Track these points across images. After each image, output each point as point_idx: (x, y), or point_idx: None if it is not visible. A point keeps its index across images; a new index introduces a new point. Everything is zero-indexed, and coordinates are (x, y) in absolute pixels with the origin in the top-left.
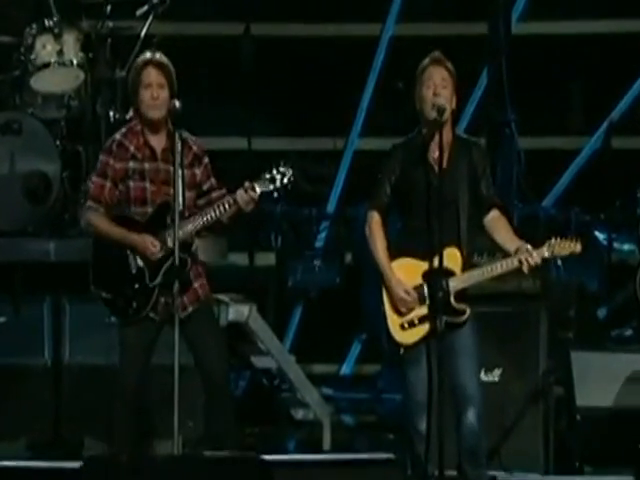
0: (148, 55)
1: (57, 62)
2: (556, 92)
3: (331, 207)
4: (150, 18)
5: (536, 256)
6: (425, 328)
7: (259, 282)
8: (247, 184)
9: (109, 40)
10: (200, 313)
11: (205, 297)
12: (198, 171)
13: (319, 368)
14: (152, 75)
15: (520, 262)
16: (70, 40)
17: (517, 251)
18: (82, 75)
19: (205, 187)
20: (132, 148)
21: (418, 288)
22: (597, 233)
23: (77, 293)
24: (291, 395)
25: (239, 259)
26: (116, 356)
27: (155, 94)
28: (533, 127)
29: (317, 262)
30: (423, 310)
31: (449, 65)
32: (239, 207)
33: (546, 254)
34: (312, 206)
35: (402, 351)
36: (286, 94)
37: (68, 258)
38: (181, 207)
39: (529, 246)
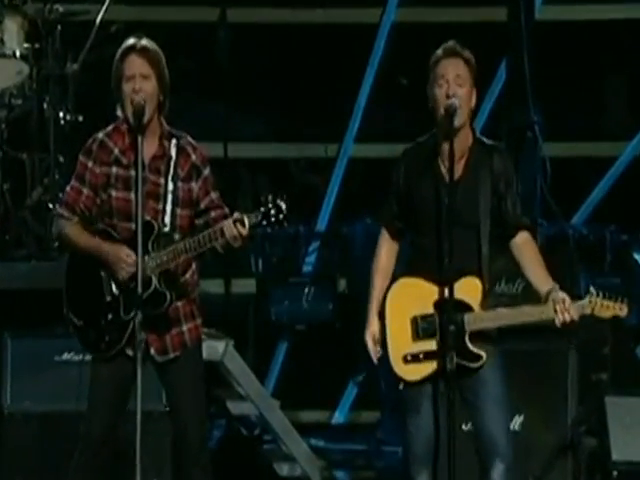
0: (130, 41)
1: None
2: (588, 89)
3: (322, 224)
4: (108, 1)
5: (574, 312)
6: (431, 367)
7: (236, 314)
8: (236, 216)
9: (59, 27)
10: (183, 361)
11: (192, 344)
12: (195, 185)
13: (308, 415)
14: (134, 65)
15: (555, 312)
16: (12, 27)
17: (549, 295)
18: (26, 69)
19: (203, 205)
20: (116, 150)
21: (427, 318)
22: (636, 255)
23: (21, 326)
24: (275, 447)
25: (213, 286)
26: (69, 401)
27: (137, 86)
28: (561, 130)
29: (305, 290)
30: (431, 345)
31: (467, 55)
32: (227, 240)
33: (586, 311)
34: (299, 223)
35: (401, 386)
36: (269, 91)
37: (10, 285)
38: (168, 228)
39: (566, 297)
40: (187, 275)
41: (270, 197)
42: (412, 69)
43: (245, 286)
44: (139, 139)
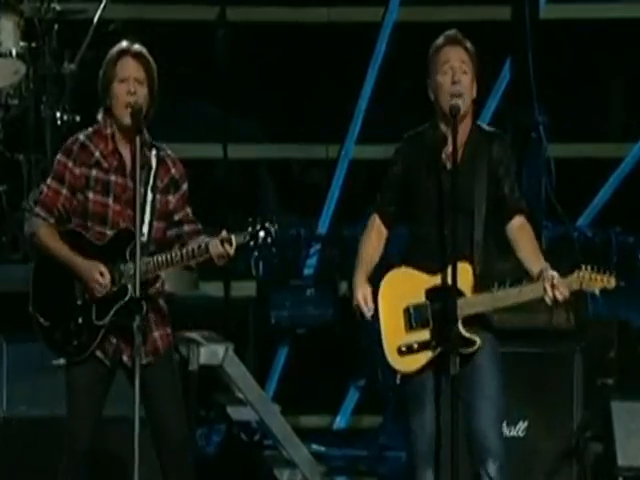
0: (125, 44)
1: None
2: (593, 89)
3: (323, 227)
4: None
5: (563, 288)
6: (426, 356)
7: (236, 317)
8: (224, 235)
9: (56, 26)
10: (157, 366)
11: (165, 351)
12: (173, 198)
13: (309, 420)
14: (130, 68)
15: (544, 290)
16: (8, 26)
17: (540, 275)
18: (23, 68)
19: (177, 217)
20: (97, 153)
21: (419, 307)
22: None
23: (18, 330)
24: (275, 453)
25: (212, 289)
26: (65, 406)
27: (132, 89)
28: (565, 131)
29: (306, 293)
30: (425, 335)
31: (468, 45)
32: (210, 257)
33: (574, 286)
34: (300, 225)
35: (398, 379)
36: (268, 92)
37: (7, 288)
38: (145, 238)
39: (555, 274)
40: (157, 284)
41: (259, 219)
42: (415, 69)
43: (245, 289)
44: (137, 140)
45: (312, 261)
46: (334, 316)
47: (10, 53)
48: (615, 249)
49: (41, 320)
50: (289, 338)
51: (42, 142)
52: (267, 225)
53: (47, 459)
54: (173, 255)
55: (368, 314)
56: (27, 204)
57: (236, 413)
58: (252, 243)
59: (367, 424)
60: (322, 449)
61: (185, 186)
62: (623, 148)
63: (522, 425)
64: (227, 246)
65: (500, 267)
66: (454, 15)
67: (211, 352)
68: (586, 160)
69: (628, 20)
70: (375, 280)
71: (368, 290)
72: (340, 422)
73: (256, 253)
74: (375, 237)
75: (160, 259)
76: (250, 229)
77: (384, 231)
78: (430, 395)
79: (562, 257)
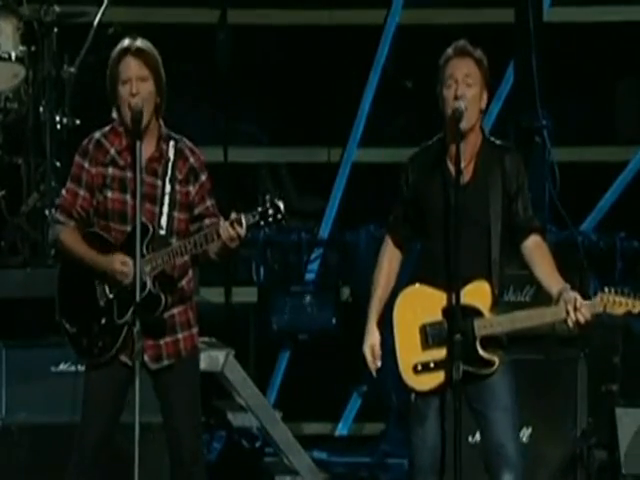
0: (126, 42)
1: None
2: (599, 92)
3: (325, 231)
4: (106, 2)
5: (585, 311)
6: (442, 375)
7: (237, 323)
8: (233, 216)
9: (55, 29)
10: (178, 370)
11: (188, 353)
12: (192, 189)
13: (310, 427)
14: (131, 68)
15: (567, 313)
16: (7, 29)
17: (560, 296)
18: (22, 72)
19: (197, 211)
20: (113, 151)
21: (436, 325)
22: None
23: (16, 336)
24: (276, 460)
25: (213, 295)
26: (65, 413)
27: (134, 89)
28: (569, 135)
29: (307, 299)
30: (441, 353)
31: (478, 55)
32: (223, 242)
33: (598, 309)
34: (301, 230)
35: (413, 397)
36: (270, 95)
37: (5, 294)
38: (164, 231)
39: (578, 296)
40: (183, 282)
41: (268, 196)
42: (417, 72)
43: (246, 295)
44: (137, 144)
45: (314, 266)
46: (336, 321)
47: (9, 56)
48: (620, 254)
49: (68, 327)
50: (290, 344)
51: (41, 146)
52: (276, 201)
53: (47, 465)
54: (186, 243)
55: (373, 370)
56: (26, 208)
57: (237, 419)
58: (262, 222)
59: (369, 431)
60: (324, 456)
61: (204, 176)
62: (628, 152)
63: (526, 432)
64: (238, 227)
65: (519, 274)
66: (457, 18)
67: (212, 358)
68: (590, 164)
69: (632, 23)
70: (390, 297)
71: (377, 338)
72: (342, 429)
73: (267, 229)
74: (388, 262)
75: (174, 248)
76: (260, 208)
77: (398, 253)
78: (434, 409)
79: (566, 262)
